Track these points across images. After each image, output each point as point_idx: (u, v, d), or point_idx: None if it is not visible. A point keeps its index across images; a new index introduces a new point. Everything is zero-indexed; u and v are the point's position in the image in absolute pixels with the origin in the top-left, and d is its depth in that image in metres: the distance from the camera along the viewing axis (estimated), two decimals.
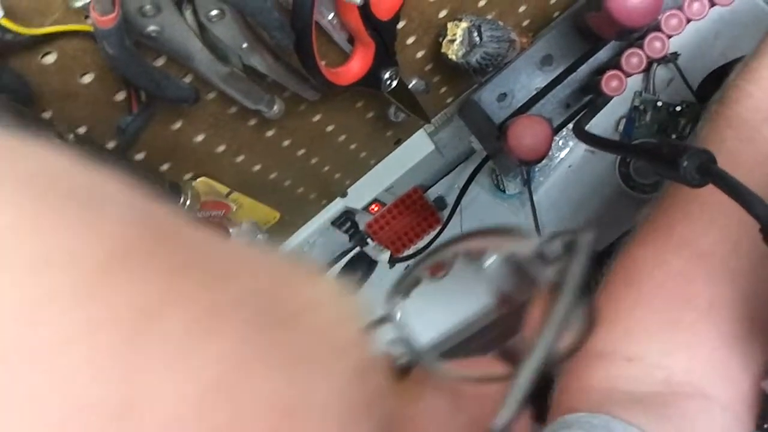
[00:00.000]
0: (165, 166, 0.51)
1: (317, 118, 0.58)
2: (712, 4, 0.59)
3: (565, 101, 0.64)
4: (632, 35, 0.60)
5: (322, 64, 0.48)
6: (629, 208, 0.74)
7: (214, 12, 0.40)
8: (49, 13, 0.35)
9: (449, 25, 0.57)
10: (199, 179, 0.54)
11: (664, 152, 0.43)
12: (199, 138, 0.51)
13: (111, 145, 0.45)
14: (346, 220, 0.76)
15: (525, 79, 0.62)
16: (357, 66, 0.51)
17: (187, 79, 0.45)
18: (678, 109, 0.76)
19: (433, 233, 0.81)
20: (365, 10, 0.47)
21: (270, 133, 0.56)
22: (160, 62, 0.43)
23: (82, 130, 0.43)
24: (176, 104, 0.46)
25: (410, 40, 0.57)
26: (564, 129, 0.66)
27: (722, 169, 0.37)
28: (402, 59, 0.56)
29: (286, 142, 0.58)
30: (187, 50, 0.42)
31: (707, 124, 0.51)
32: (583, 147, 0.79)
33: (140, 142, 0.47)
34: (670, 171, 0.40)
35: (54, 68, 0.38)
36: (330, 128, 0.60)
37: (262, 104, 0.49)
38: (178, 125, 0.49)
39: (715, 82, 0.72)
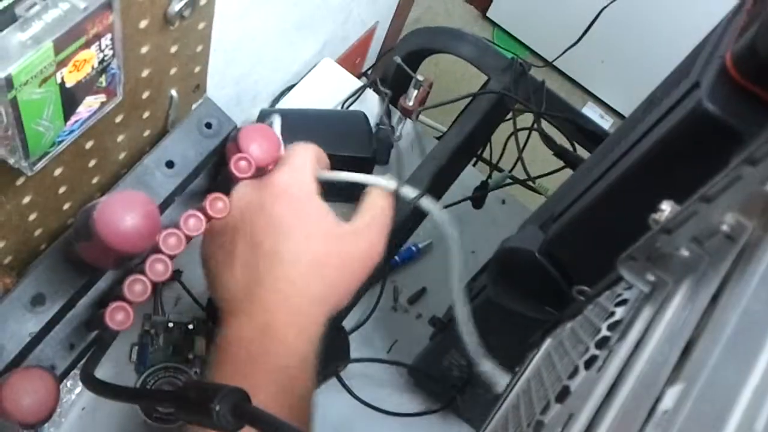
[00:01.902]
0: None
1: None
2: (209, 219, 0.58)
3: (67, 342, 0.56)
4: (131, 261, 0.56)
5: None
6: None
7: None
8: None
9: None
10: None
11: (192, 397, 0.39)
12: None
13: None
14: None
15: (14, 325, 0.52)
16: None
17: None
18: (190, 327, 0.74)
19: None
20: None
21: None
22: None
23: None
24: None
25: None
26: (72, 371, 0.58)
27: (257, 408, 0.34)
28: None
29: None
30: None
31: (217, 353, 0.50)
32: None
33: None
34: (202, 418, 0.36)
35: None
36: None
37: None
38: None
39: None
